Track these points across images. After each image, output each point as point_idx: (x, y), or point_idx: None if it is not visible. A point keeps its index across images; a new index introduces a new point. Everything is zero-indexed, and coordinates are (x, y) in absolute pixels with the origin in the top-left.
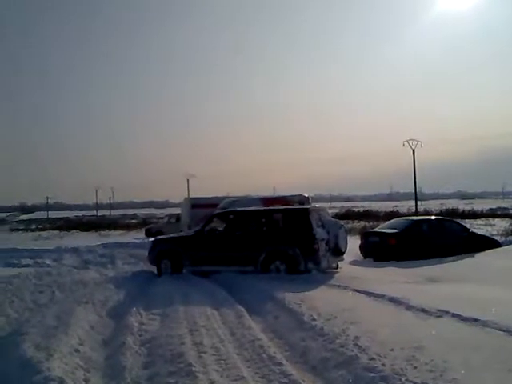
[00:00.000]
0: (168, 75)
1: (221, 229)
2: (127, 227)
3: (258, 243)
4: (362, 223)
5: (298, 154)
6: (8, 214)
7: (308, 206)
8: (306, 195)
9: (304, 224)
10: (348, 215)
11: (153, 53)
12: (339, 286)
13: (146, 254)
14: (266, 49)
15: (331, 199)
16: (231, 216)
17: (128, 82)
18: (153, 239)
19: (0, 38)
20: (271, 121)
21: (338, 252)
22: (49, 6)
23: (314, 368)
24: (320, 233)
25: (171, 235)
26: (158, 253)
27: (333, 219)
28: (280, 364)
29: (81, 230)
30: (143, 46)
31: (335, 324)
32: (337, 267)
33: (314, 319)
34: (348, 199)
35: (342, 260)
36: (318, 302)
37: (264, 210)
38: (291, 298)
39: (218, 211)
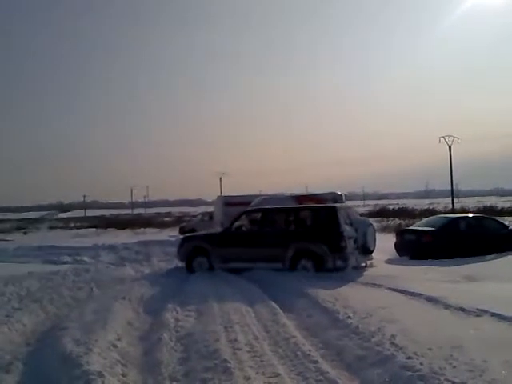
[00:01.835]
0: (201, 75)
1: (249, 226)
2: (162, 225)
3: (285, 241)
4: (397, 221)
5: (331, 152)
6: (47, 212)
7: (336, 204)
8: (340, 193)
9: (332, 221)
10: (382, 213)
11: (191, 53)
12: (374, 284)
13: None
14: (295, 48)
15: (365, 197)
16: (259, 214)
17: (163, 82)
18: (182, 237)
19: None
20: (303, 120)
21: (366, 251)
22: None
23: (349, 366)
24: (348, 230)
25: (200, 233)
26: (187, 250)
27: (361, 218)
28: (315, 362)
29: (117, 228)
30: (183, 46)
31: (371, 322)
32: (365, 266)
33: (349, 317)
34: (382, 197)
35: (371, 259)
36: (353, 300)
37: (292, 207)
38: (325, 295)
39: (245, 209)
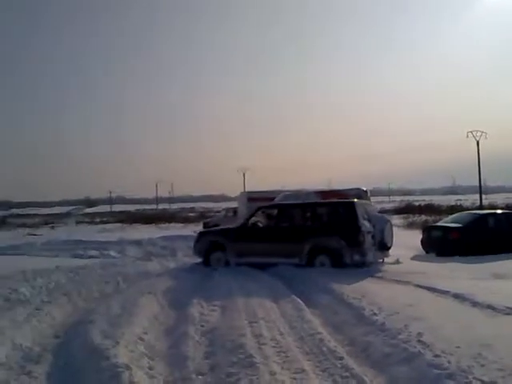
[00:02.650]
0: (223, 74)
1: (265, 222)
2: (186, 220)
3: (302, 236)
4: (423, 217)
5: (355, 147)
6: (74, 207)
7: (354, 200)
8: (364, 189)
9: (350, 216)
10: (408, 209)
11: (210, 53)
12: (400, 280)
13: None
14: (314, 42)
15: (390, 193)
16: (275, 209)
17: (186, 80)
18: (198, 231)
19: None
20: (327, 115)
21: (383, 247)
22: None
23: (376, 363)
24: (366, 226)
25: (216, 228)
26: (203, 245)
27: (379, 214)
28: (341, 358)
29: (142, 223)
30: (204, 45)
31: (397, 319)
32: (383, 261)
33: (374, 314)
34: (408, 193)
35: (388, 256)
36: (379, 296)
37: (308, 203)
38: (350, 292)
39: (262, 204)
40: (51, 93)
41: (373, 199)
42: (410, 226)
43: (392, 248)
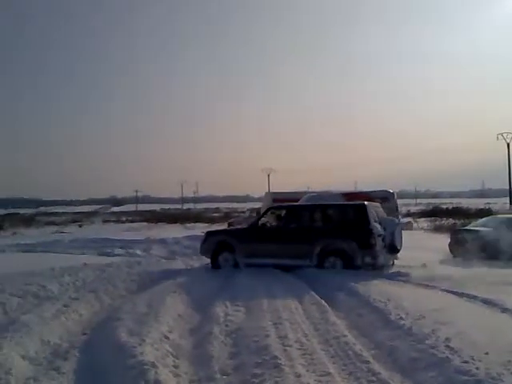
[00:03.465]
0: (248, 74)
1: (275, 223)
2: (210, 220)
3: (313, 237)
4: (451, 221)
5: (382, 149)
6: (101, 206)
7: (365, 202)
8: (391, 191)
9: (361, 219)
10: (435, 212)
11: (235, 54)
12: (427, 285)
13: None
14: (339, 49)
15: (417, 195)
16: (286, 210)
17: (210, 81)
18: (206, 231)
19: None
20: (353, 116)
21: (393, 249)
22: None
23: (402, 368)
24: (377, 228)
25: (224, 228)
26: (211, 245)
27: (389, 217)
28: (367, 362)
29: (167, 222)
30: (230, 46)
31: (424, 324)
32: (393, 264)
33: (401, 318)
34: (435, 195)
35: (397, 258)
36: (405, 300)
37: (319, 204)
38: (376, 295)
39: (271, 205)
40: (77, 93)
41: (399, 202)
42: (438, 229)
43: (419, 251)
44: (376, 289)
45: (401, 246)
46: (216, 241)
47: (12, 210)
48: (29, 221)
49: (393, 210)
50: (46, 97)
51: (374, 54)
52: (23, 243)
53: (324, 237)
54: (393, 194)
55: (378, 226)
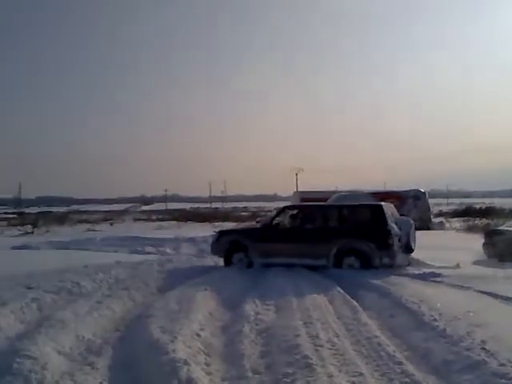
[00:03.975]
0: (278, 74)
1: (290, 222)
2: (238, 219)
3: (330, 237)
4: (485, 221)
5: (412, 148)
6: (131, 204)
7: (381, 202)
8: (422, 190)
9: (379, 219)
10: (468, 212)
11: (259, 53)
12: (461, 286)
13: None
14: (376, 44)
15: (448, 195)
16: (301, 210)
17: (238, 80)
18: (218, 230)
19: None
20: (383, 114)
21: (409, 249)
22: None
23: (436, 370)
24: (394, 228)
25: (237, 227)
26: (224, 245)
27: (404, 217)
28: (400, 363)
29: (196, 221)
30: (263, 47)
31: (459, 326)
32: (408, 264)
33: (435, 320)
34: (467, 195)
35: (411, 258)
36: (439, 301)
37: (336, 204)
38: (409, 296)
39: (286, 205)
40: (107, 93)
41: (430, 201)
42: (471, 229)
43: (452, 252)
44: (408, 289)
45: (415, 245)
46: (229, 240)
47: (45, 209)
48: (62, 219)
49: (425, 210)
50: (76, 97)
51: (407, 50)
52: (57, 241)
53: (341, 237)
54: (424, 193)
55: (395, 226)
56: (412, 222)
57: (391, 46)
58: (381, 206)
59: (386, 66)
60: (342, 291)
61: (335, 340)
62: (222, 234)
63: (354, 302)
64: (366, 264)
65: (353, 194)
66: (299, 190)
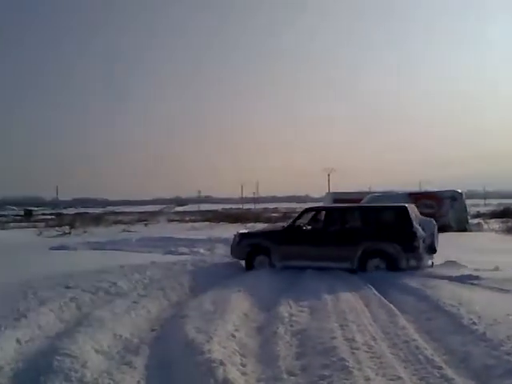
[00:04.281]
0: (313, 73)
1: (313, 224)
2: (270, 220)
3: (355, 239)
4: None
5: (449, 148)
6: (165, 205)
7: (406, 204)
8: (459, 191)
9: (404, 221)
10: (506, 213)
11: (290, 52)
12: (501, 289)
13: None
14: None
15: (486, 195)
16: (324, 212)
17: (272, 80)
18: (239, 232)
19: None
20: (419, 115)
21: (432, 250)
22: None
23: (477, 375)
24: (420, 230)
25: (259, 229)
26: (245, 247)
27: (427, 218)
28: (439, 367)
29: (228, 222)
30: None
31: (499, 330)
32: (432, 265)
33: (474, 323)
34: (506, 195)
35: (433, 259)
36: (478, 304)
37: (359, 206)
38: (446, 298)
39: (308, 207)
40: (142, 94)
41: (467, 202)
42: (510, 230)
43: (490, 254)
44: (446, 292)
45: (437, 246)
46: (251, 243)
47: (81, 210)
48: (98, 220)
49: (461, 211)
50: (111, 98)
51: (436, 51)
52: (93, 241)
53: (366, 239)
54: (461, 194)
55: (419, 227)
56: (435, 222)
57: (420, 45)
58: (405, 207)
59: (422, 63)
60: (377, 294)
61: (372, 343)
62: (243, 236)
63: (391, 305)
64: (392, 266)
65: (387, 195)
66: (332, 190)
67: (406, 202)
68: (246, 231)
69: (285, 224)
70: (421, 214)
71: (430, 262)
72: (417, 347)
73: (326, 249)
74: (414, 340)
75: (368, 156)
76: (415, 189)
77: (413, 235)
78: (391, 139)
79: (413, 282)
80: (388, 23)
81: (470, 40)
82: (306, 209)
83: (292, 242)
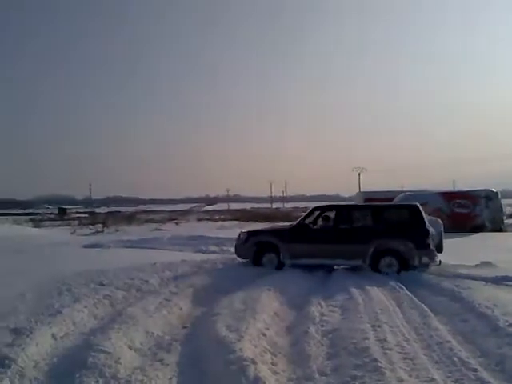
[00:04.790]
0: (339, 69)
1: (323, 223)
2: (297, 219)
3: (367, 237)
4: None
5: (483, 147)
6: (195, 204)
7: (416, 203)
8: (494, 190)
9: (417, 219)
10: None
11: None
12: None
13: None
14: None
15: None
16: (334, 210)
17: (302, 79)
18: (246, 231)
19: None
20: (452, 113)
21: (440, 249)
22: None
23: None
24: (431, 229)
25: (266, 228)
26: (252, 246)
27: (433, 218)
28: (474, 370)
29: (257, 221)
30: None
31: None
32: (440, 263)
33: (510, 325)
34: None
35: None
36: None
37: (371, 205)
38: (482, 300)
39: (316, 206)
40: (173, 93)
41: (503, 201)
42: None
43: None
44: (481, 293)
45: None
46: (259, 241)
47: (114, 209)
48: (129, 218)
49: (497, 211)
50: (141, 98)
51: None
52: (125, 239)
53: (378, 237)
54: (496, 193)
55: (430, 226)
56: (441, 222)
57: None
58: (417, 206)
59: (457, 62)
60: (409, 294)
61: (404, 344)
62: (250, 234)
63: (423, 306)
64: (405, 264)
65: (420, 194)
66: (362, 190)
67: (438, 201)
68: (253, 229)
69: (293, 223)
70: (455, 213)
71: (438, 261)
72: (451, 349)
73: (338, 247)
74: (448, 342)
75: (400, 155)
76: (448, 188)
77: (426, 233)
78: (423, 138)
79: (446, 282)
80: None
81: None
82: (314, 207)
83: (302, 240)
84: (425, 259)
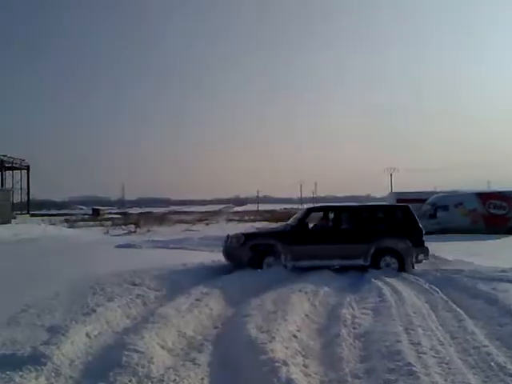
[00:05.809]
0: (369, 69)
1: (322, 223)
2: None
3: (367, 237)
4: None
5: None
6: (225, 205)
7: (407, 204)
8: None
9: (410, 219)
10: None
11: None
12: None
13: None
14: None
15: None
16: (331, 211)
17: (326, 77)
18: (243, 232)
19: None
20: (482, 114)
21: None
22: None
23: None
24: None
25: (264, 229)
26: (249, 248)
27: None
28: None
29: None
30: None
31: None
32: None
33: None
34: None
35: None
36: None
37: (367, 205)
38: None
39: (310, 207)
40: (205, 92)
41: None
42: None
43: None
44: None
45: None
46: (257, 244)
47: (146, 209)
48: (161, 219)
49: None
50: (172, 98)
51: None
52: (157, 240)
53: (378, 237)
54: None
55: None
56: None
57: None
58: (408, 206)
59: (488, 62)
60: (444, 297)
61: (439, 348)
62: (248, 236)
63: (459, 309)
64: (404, 261)
65: (454, 195)
66: (394, 190)
67: (475, 202)
68: (248, 232)
69: (287, 223)
70: (490, 214)
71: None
72: (488, 353)
73: (339, 247)
74: (485, 346)
75: (433, 155)
76: (483, 188)
77: (421, 231)
78: (455, 138)
79: (481, 285)
80: None
81: None
82: (309, 209)
83: (302, 241)
84: (421, 256)
